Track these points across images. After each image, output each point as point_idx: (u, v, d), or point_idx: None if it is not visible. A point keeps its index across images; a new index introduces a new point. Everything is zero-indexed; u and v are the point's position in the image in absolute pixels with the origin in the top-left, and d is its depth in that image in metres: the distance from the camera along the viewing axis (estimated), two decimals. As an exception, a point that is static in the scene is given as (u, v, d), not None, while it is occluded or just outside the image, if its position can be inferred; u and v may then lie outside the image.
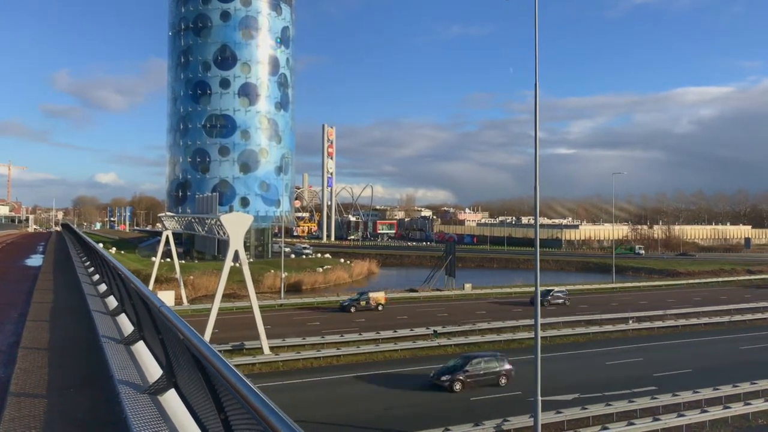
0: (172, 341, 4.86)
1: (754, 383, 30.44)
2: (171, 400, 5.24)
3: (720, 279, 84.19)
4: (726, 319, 51.28)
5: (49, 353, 7.68)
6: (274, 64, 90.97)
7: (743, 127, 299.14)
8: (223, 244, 39.38)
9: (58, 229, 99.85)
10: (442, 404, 28.71)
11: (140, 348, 7.35)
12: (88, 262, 20.22)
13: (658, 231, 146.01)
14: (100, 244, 19.07)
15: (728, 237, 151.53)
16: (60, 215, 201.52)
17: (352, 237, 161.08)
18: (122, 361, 6.80)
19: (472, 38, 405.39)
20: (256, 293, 39.66)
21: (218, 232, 41.27)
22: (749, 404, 27.94)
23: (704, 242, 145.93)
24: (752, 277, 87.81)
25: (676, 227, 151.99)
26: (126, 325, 9.07)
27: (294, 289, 74.68)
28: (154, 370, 6.28)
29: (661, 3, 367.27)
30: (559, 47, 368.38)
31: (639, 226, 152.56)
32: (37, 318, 10.50)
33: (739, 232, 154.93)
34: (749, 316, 52.76)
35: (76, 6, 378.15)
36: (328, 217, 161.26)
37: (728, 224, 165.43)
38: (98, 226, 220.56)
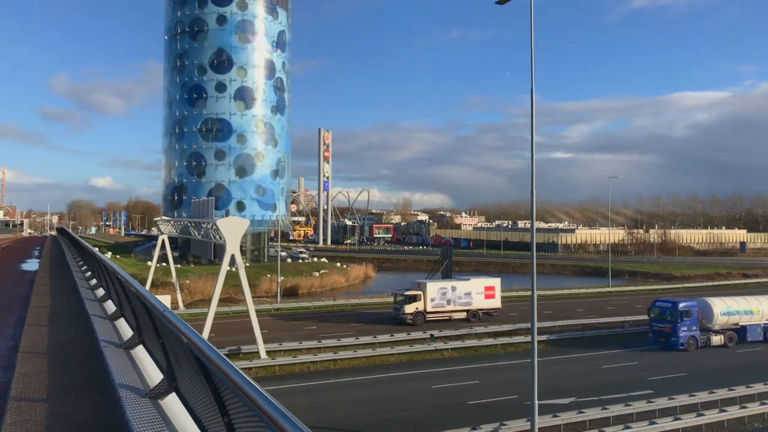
0: (174, 345, 4.88)
1: (750, 387, 30.56)
2: (172, 404, 5.26)
3: (716, 283, 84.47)
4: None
5: (49, 357, 7.69)
6: (270, 67, 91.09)
7: (739, 132, 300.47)
8: (219, 249, 39.45)
9: (53, 233, 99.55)
10: (441, 410, 28.71)
11: (140, 352, 7.36)
12: (85, 267, 20.20)
13: (653, 235, 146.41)
14: (96, 249, 19.05)
15: (723, 241, 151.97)
16: (55, 219, 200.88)
17: (349, 241, 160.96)
18: (122, 365, 6.81)
19: (471, 42, 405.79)
20: (253, 297, 39.56)
21: (214, 237, 41.21)
22: (745, 407, 28.04)
23: (699, 246, 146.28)
24: (747, 281, 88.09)
25: (672, 231, 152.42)
26: (125, 330, 9.08)
27: (290, 293, 74.52)
28: (154, 375, 6.30)
29: (657, 8, 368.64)
30: (556, 52, 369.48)
31: (635, 230, 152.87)
32: (36, 322, 10.49)
33: (735, 236, 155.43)
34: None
35: (75, 10, 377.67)
36: (325, 221, 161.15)
37: (723, 228, 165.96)
38: (93, 230, 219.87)
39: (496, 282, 54.76)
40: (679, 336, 40.88)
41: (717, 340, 42.49)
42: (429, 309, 50.26)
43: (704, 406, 28.30)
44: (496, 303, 53.55)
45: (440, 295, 51.15)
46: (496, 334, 44.92)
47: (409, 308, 49.54)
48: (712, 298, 44.95)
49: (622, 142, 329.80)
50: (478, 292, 52.65)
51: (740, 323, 43.96)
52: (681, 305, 41.82)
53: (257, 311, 39.06)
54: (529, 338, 41.66)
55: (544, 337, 43.13)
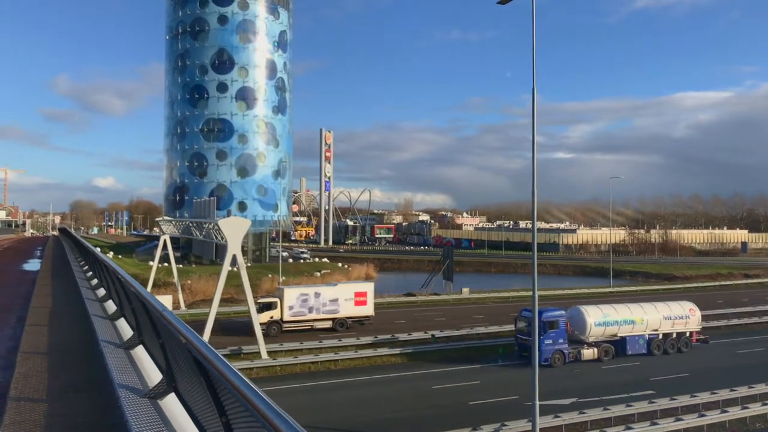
0: (173, 345, 4.88)
1: (752, 387, 30.52)
2: (171, 404, 5.25)
3: (717, 283, 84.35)
4: (723, 323, 51.37)
5: (49, 358, 7.69)
6: (272, 68, 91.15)
7: (741, 132, 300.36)
8: (220, 249, 39.50)
9: (56, 233, 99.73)
10: (442, 410, 28.70)
11: (140, 352, 7.36)
12: (86, 267, 20.22)
13: (655, 235, 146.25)
14: (98, 249, 19.06)
15: (725, 241, 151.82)
16: (57, 220, 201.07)
17: (350, 241, 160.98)
18: (122, 365, 6.81)
19: (472, 43, 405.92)
20: (254, 298, 39.58)
21: (216, 237, 41.30)
22: (747, 408, 28.00)
23: (701, 246, 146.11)
24: (749, 281, 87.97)
25: (673, 231, 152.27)
26: (125, 330, 9.08)
27: (292, 293, 74.46)
28: (154, 375, 6.29)
29: (659, 9, 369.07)
30: (558, 52, 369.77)
31: (636, 231, 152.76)
32: (36, 322, 10.50)
33: (736, 236, 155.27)
34: (746, 320, 52.86)
35: (77, 10, 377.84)
36: (326, 222, 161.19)
37: (725, 228, 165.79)
38: (95, 230, 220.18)
39: (368, 287, 49.11)
40: (542, 350, 34.83)
41: (589, 353, 37.92)
42: (286, 318, 45.40)
43: (706, 406, 28.27)
44: (367, 310, 48.55)
45: (300, 302, 45.94)
46: (497, 335, 44.82)
47: (263, 317, 43.14)
48: (586, 307, 40.00)
49: (623, 143, 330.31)
50: (347, 298, 47.56)
51: (619, 334, 39.34)
52: (544, 315, 36.26)
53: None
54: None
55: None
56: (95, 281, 15.95)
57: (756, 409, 28.10)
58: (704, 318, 52.72)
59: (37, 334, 9.35)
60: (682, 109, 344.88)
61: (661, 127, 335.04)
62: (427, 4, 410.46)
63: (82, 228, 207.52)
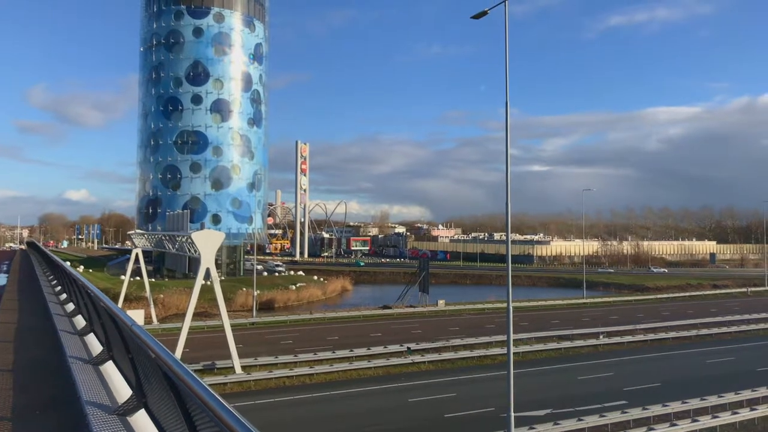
0: (143, 360, 4.81)
1: (721, 396, 31.05)
2: (141, 420, 5.17)
3: (687, 294, 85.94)
4: (693, 333, 52.31)
5: (14, 375, 7.49)
6: (247, 80, 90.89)
7: (710, 146, 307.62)
8: (194, 262, 39.02)
9: (23, 247, 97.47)
10: (418, 423, 28.60)
11: (109, 368, 7.22)
12: (55, 281, 19.81)
13: (627, 247, 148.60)
14: (68, 263, 18.66)
15: (694, 252, 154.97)
16: (25, 233, 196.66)
17: (326, 254, 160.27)
18: (90, 381, 6.67)
19: (452, 57, 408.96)
20: (228, 312, 39.11)
21: (189, 250, 40.72)
22: (717, 417, 28.47)
23: (671, 257, 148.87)
24: (717, 291, 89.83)
25: (645, 243, 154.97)
26: (94, 345, 8.91)
27: (266, 307, 73.83)
28: (123, 391, 6.18)
29: (633, 27, 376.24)
30: (534, 67, 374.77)
31: (609, 242, 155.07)
32: (1, 339, 10.24)
33: (705, 247, 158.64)
34: (715, 330, 53.88)
35: (54, 22, 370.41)
36: (302, 234, 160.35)
37: (694, 240, 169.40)
38: (65, 244, 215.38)
39: None
40: None
41: None
42: None
43: (677, 415, 28.69)
44: None
45: None
46: (472, 347, 45.04)
47: None
48: None
49: (597, 156, 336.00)
50: None
51: None
52: None
53: (232, 326, 38.58)
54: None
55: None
56: (64, 296, 15.63)
57: (725, 418, 28.60)
58: (673, 328, 53.72)
59: (2, 350, 9.12)
60: (654, 124, 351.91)
61: (633, 141, 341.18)
62: (409, 20, 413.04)
63: (51, 242, 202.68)
